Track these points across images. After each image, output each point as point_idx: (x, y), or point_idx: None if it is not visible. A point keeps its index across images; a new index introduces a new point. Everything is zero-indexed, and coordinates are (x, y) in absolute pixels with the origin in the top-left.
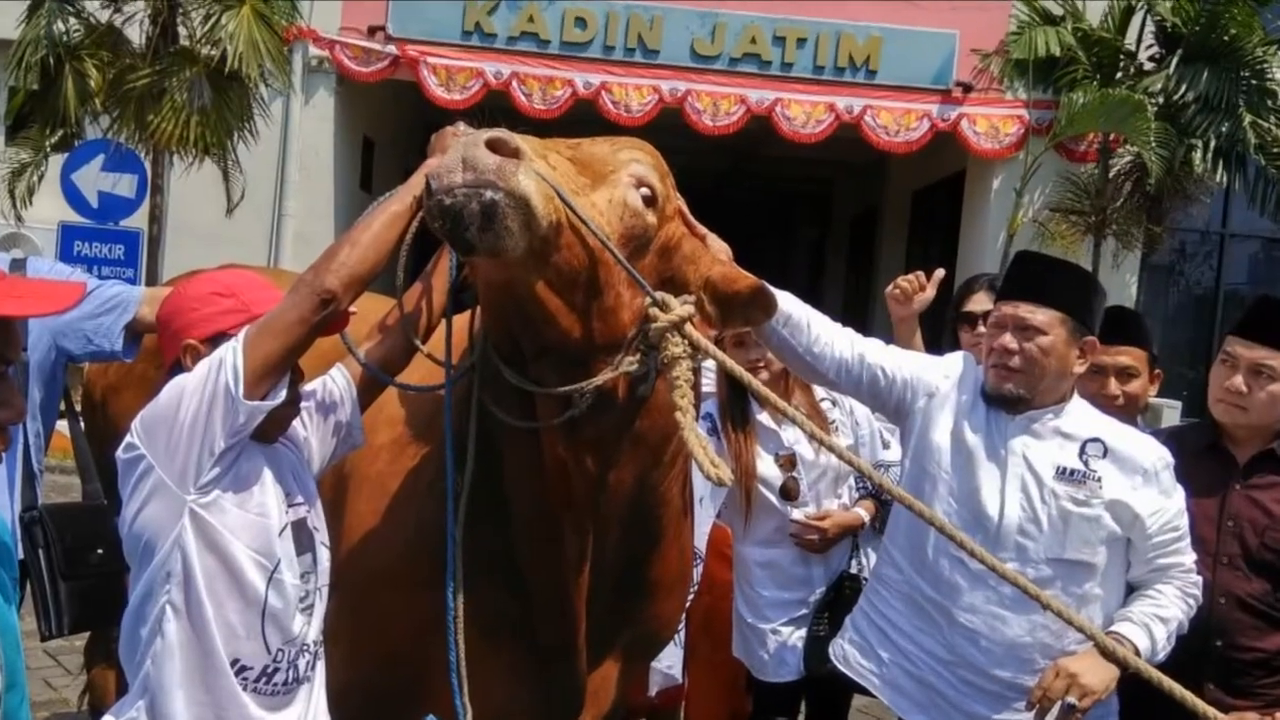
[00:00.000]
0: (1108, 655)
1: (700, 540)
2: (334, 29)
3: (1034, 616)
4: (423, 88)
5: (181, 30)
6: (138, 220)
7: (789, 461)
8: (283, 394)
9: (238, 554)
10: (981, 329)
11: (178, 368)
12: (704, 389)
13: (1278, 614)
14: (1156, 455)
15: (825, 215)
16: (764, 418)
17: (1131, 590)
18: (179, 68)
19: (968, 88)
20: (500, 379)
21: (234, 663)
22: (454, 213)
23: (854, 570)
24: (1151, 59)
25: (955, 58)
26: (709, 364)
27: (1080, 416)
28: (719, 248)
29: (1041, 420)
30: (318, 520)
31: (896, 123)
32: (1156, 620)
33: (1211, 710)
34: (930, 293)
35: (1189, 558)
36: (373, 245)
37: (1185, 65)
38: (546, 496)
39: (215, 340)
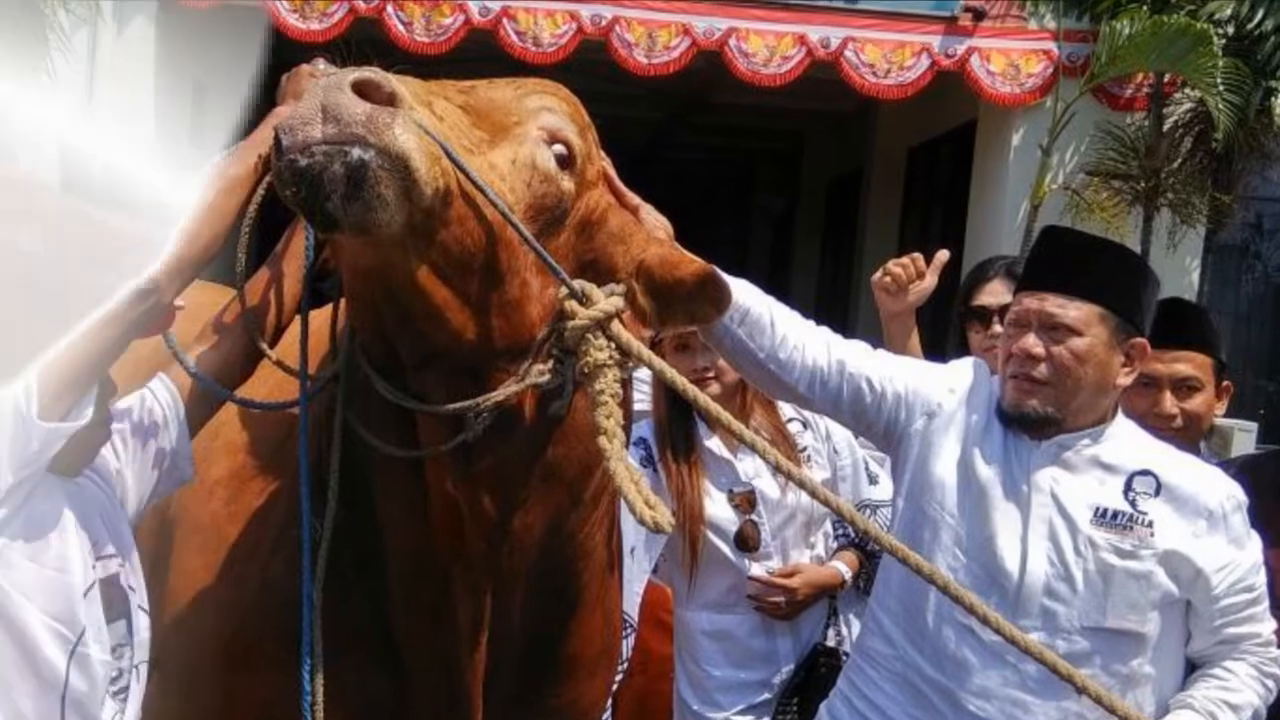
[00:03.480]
0: None
1: (631, 604)
2: None
3: (1065, 703)
4: (271, 15)
5: None
6: None
7: (747, 501)
8: (88, 413)
9: (30, 621)
10: (998, 328)
11: None
12: (637, 406)
13: None
14: (1225, 493)
15: (794, 180)
16: (714, 444)
17: (1193, 668)
18: None
19: (979, 14)
20: (372, 393)
21: None
22: (311, 177)
23: (831, 642)
24: None
25: None
26: (643, 374)
27: (1126, 443)
28: (656, 223)
29: (1075, 447)
30: (134, 578)
31: (886, 60)
32: (1225, 707)
33: None
34: (930, 281)
35: (1267, 626)
36: (205, 220)
37: None
38: (432, 547)
39: None
